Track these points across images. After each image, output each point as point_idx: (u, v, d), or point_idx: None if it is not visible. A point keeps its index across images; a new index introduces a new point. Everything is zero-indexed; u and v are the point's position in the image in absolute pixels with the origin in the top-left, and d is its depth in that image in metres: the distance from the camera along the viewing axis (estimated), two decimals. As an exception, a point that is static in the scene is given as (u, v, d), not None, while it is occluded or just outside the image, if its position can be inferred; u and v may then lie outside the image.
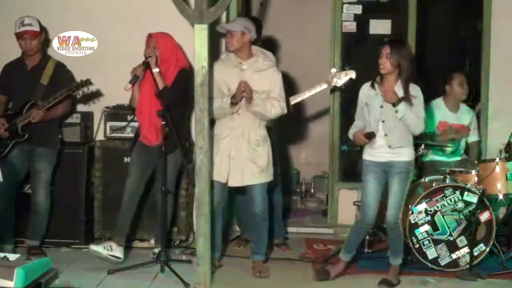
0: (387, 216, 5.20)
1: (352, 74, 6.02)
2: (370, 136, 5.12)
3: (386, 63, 5.07)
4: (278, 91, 5.38)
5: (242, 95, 5.25)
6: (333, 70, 6.15)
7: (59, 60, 5.85)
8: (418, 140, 6.11)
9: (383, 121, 5.13)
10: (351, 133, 5.28)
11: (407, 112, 5.03)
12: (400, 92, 5.07)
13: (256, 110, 5.29)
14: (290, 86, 7.10)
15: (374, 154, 5.20)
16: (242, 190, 5.58)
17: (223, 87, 5.38)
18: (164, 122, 5.35)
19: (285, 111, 5.43)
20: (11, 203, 5.77)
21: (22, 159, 5.72)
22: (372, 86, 5.19)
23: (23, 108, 5.62)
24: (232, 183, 5.37)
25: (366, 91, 5.24)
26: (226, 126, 5.37)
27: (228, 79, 5.37)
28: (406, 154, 5.17)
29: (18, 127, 5.61)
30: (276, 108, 5.34)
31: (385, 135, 5.13)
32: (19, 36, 5.67)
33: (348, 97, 6.48)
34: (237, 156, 5.32)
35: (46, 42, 6.11)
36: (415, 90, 5.12)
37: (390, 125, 5.11)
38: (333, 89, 6.52)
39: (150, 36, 5.60)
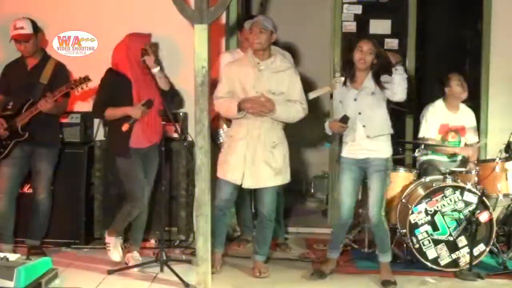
0: (370, 214, 5.26)
1: None
2: (345, 120, 5.19)
3: (367, 58, 5.17)
4: (299, 93, 5.34)
5: (250, 111, 5.23)
6: (337, 74, 6.16)
7: (59, 60, 5.85)
8: (418, 141, 6.13)
9: (359, 113, 5.20)
10: (326, 126, 5.35)
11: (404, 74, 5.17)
12: (371, 84, 5.21)
13: (280, 119, 5.30)
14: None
15: (351, 151, 5.26)
16: (249, 190, 5.58)
17: (237, 86, 5.33)
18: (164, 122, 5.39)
19: (307, 112, 5.38)
20: (12, 203, 5.76)
21: (23, 159, 5.71)
22: (344, 84, 5.31)
23: (22, 108, 5.62)
24: (246, 185, 5.34)
25: (338, 90, 5.38)
26: (243, 127, 5.31)
27: (244, 80, 5.31)
28: (383, 151, 5.24)
29: (18, 127, 5.61)
30: (299, 112, 5.31)
31: (363, 126, 5.20)
32: (13, 39, 5.67)
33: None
34: (252, 158, 5.28)
35: (45, 42, 6.12)
36: (399, 68, 5.22)
37: (367, 115, 5.21)
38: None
39: (150, 36, 5.57)
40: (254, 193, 5.86)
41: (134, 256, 5.61)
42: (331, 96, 6.64)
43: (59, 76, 5.73)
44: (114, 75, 5.43)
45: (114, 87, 5.41)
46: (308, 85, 7.41)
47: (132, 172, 5.44)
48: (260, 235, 5.49)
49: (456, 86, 6.16)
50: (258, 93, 5.25)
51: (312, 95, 6.11)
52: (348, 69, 5.29)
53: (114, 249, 5.57)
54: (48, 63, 5.74)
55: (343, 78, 5.71)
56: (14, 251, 5.61)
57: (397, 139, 6.77)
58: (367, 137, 5.20)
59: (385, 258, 5.32)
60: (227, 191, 5.39)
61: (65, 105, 5.83)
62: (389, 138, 5.31)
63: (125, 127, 5.29)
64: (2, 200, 5.70)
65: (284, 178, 5.41)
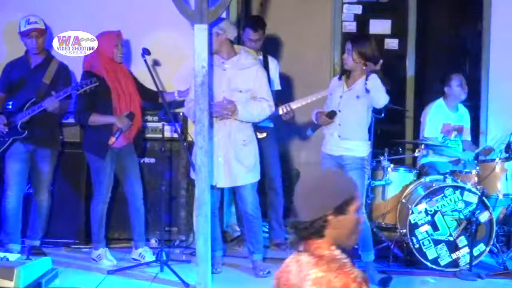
0: None
1: None
2: (332, 115, 5.22)
3: (347, 59, 5.21)
4: (265, 90, 5.37)
5: (215, 115, 5.26)
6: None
7: (62, 61, 5.83)
8: (419, 141, 6.13)
9: (339, 111, 5.23)
10: (313, 114, 5.37)
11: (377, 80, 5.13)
12: (361, 87, 5.18)
13: (243, 119, 5.30)
14: (290, 86, 7.10)
15: (329, 147, 5.32)
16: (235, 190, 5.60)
17: None
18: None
19: (273, 109, 5.43)
20: (20, 201, 5.74)
21: (27, 155, 5.69)
22: (340, 78, 5.34)
23: (24, 106, 5.59)
24: (220, 184, 5.37)
25: (333, 83, 5.43)
26: (214, 129, 5.33)
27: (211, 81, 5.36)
28: (358, 150, 5.23)
29: (17, 124, 5.59)
30: (265, 110, 5.34)
31: (339, 124, 5.21)
32: (25, 34, 5.65)
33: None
34: (224, 157, 5.31)
35: (49, 42, 6.11)
36: (371, 78, 5.16)
37: (346, 116, 5.22)
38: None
39: (120, 35, 5.61)
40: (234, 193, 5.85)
41: (141, 252, 5.67)
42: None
43: (62, 77, 5.72)
44: (91, 77, 5.49)
45: (93, 91, 5.47)
46: (308, 86, 7.41)
47: (103, 171, 5.57)
48: (250, 233, 5.51)
49: (456, 87, 6.15)
50: (225, 92, 5.29)
51: (310, 98, 6.11)
52: (344, 68, 5.34)
53: (104, 258, 5.64)
54: (51, 63, 5.73)
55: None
56: (22, 251, 5.66)
57: (397, 139, 6.79)
58: (338, 136, 5.22)
59: (367, 257, 5.29)
60: (212, 192, 5.38)
61: (67, 107, 5.82)
62: (365, 139, 5.29)
63: (111, 141, 5.41)
64: (10, 198, 5.69)
65: (255, 175, 5.43)
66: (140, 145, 5.81)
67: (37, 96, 5.60)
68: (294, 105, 6.05)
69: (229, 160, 5.31)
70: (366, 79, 5.14)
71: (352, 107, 5.21)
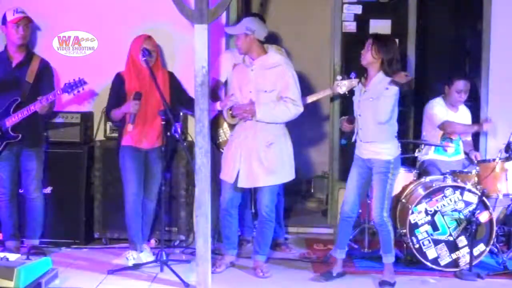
0: (372, 215, 5.29)
1: (355, 84, 5.93)
2: (351, 120, 5.23)
3: (366, 54, 5.15)
4: (291, 90, 5.31)
5: (237, 116, 5.36)
6: (339, 77, 6.11)
7: (43, 57, 5.78)
8: (419, 141, 6.13)
9: (359, 115, 5.21)
10: (340, 123, 5.42)
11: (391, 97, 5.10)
12: (376, 87, 5.12)
13: (265, 121, 5.29)
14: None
15: (359, 149, 5.29)
16: (249, 190, 5.60)
17: (235, 88, 5.45)
18: (164, 122, 5.41)
19: (301, 109, 5.35)
20: (13, 202, 5.75)
21: (13, 159, 5.67)
22: (360, 82, 5.31)
23: (9, 107, 5.54)
24: (241, 184, 5.36)
25: (356, 88, 5.37)
26: (241, 128, 5.38)
27: (241, 81, 5.41)
28: (384, 153, 5.18)
29: (8, 128, 5.54)
30: (290, 110, 5.29)
31: (360, 128, 5.22)
32: (14, 22, 5.57)
33: (347, 97, 6.47)
34: (246, 157, 5.31)
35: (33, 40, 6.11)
36: (391, 89, 5.07)
37: (364, 120, 5.19)
38: (333, 97, 6.57)
39: (150, 37, 5.61)
40: (254, 193, 5.88)
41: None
42: (332, 99, 6.66)
43: (45, 75, 5.68)
44: (117, 78, 5.63)
45: (116, 89, 5.61)
46: (308, 86, 7.42)
47: (124, 169, 5.62)
48: (260, 235, 5.50)
49: (455, 93, 6.16)
50: (252, 93, 5.31)
51: (312, 98, 6.11)
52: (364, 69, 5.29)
53: (128, 254, 5.61)
54: (32, 60, 5.67)
55: (345, 81, 5.69)
56: (19, 248, 5.68)
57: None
58: (360, 141, 5.22)
59: (387, 259, 5.31)
60: (228, 190, 5.42)
61: (54, 105, 5.79)
62: (390, 140, 5.21)
63: (129, 128, 5.46)
64: (3, 202, 5.72)
65: (280, 177, 5.41)
66: (167, 151, 5.69)
67: (21, 96, 5.55)
68: None
69: (251, 160, 5.30)
70: (388, 84, 5.03)
71: (369, 109, 5.15)
